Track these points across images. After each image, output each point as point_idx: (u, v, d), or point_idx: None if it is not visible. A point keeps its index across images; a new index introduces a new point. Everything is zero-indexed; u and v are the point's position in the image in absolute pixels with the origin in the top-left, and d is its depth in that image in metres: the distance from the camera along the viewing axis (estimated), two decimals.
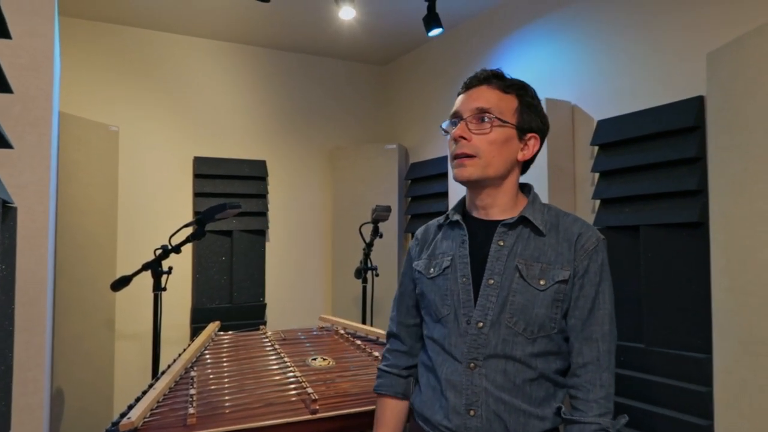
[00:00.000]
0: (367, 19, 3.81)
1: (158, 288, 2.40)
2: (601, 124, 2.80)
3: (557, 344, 1.24)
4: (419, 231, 1.54)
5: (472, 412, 1.22)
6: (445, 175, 3.77)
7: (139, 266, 2.42)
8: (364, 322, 3.08)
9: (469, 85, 1.33)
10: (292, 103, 4.51)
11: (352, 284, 4.04)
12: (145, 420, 1.64)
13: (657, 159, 2.48)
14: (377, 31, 4.10)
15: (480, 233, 1.33)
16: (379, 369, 1.55)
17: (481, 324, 1.24)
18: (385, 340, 1.61)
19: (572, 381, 1.24)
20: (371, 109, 4.91)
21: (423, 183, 4.23)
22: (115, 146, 3.64)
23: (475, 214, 1.37)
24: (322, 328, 2.70)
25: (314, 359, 2.21)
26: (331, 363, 2.19)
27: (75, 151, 3.23)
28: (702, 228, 2.30)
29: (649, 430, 2.44)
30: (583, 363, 1.22)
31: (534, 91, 1.35)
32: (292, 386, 1.91)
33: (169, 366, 2.07)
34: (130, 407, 1.69)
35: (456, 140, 1.28)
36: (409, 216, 4.41)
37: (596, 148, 2.85)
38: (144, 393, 1.81)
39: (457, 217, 1.38)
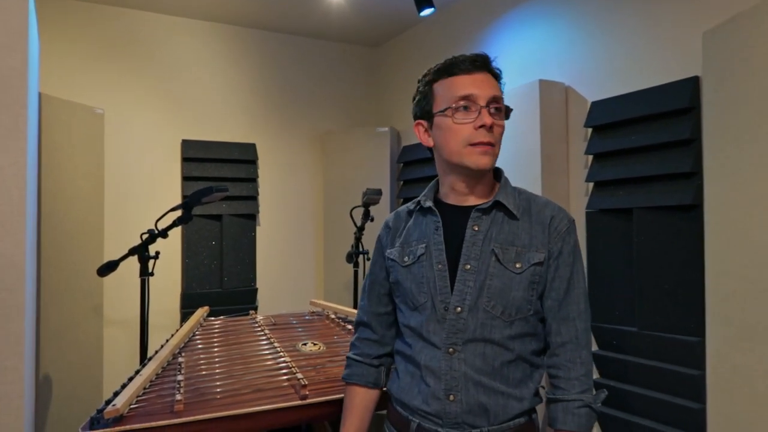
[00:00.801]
0: None
1: (145, 273, 2.36)
2: (595, 105, 2.77)
3: (533, 326, 1.27)
4: (389, 218, 1.52)
5: (451, 397, 1.24)
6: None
7: (126, 251, 2.37)
8: (355, 306, 3.05)
9: (470, 68, 1.29)
10: (282, 85, 4.44)
11: (344, 268, 4.01)
12: (131, 407, 1.61)
13: (651, 141, 2.45)
14: (368, 12, 4.03)
15: (453, 219, 1.33)
16: (348, 358, 1.55)
17: (459, 309, 1.24)
18: (354, 322, 1.60)
19: (552, 360, 1.27)
20: (363, 91, 4.85)
21: (415, 166, 4.19)
22: (100, 129, 3.56)
23: (449, 200, 1.37)
24: (313, 312, 2.68)
25: (305, 344, 2.19)
26: (321, 348, 2.17)
27: (59, 134, 3.16)
28: (696, 211, 2.27)
29: (642, 414, 2.44)
30: (562, 342, 1.25)
31: None
32: (282, 371, 1.89)
33: (156, 352, 2.04)
34: (116, 394, 1.66)
35: (484, 127, 1.25)
36: (401, 200, 4.37)
37: (590, 130, 2.81)
38: (130, 379, 1.78)
39: (429, 203, 1.37)
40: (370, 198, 2.86)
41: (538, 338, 1.29)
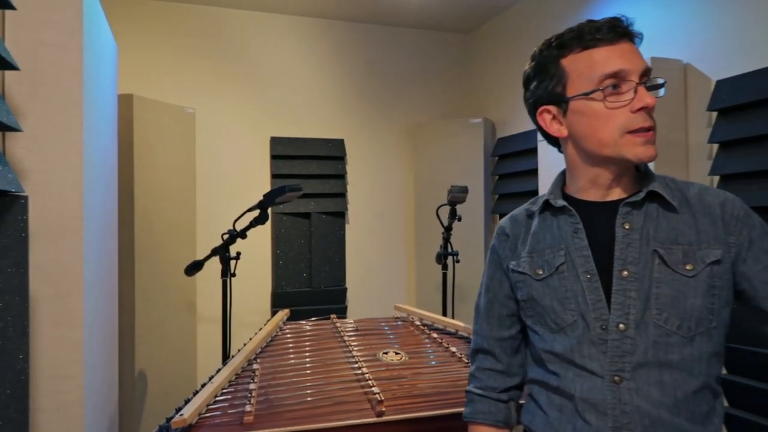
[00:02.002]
0: None
1: (226, 274, 2.31)
2: (721, 84, 2.38)
3: (717, 343, 1.02)
4: (504, 224, 1.28)
5: None
6: (534, 150, 3.44)
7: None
8: (444, 311, 2.86)
9: (612, 37, 1.05)
10: (370, 78, 4.32)
11: (436, 269, 3.82)
12: (200, 416, 1.55)
13: None
14: None
15: (594, 218, 1.10)
16: (468, 392, 1.31)
17: (623, 326, 1.01)
18: (471, 350, 1.35)
19: None
20: (454, 81, 4.62)
21: (511, 159, 3.91)
22: (191, 129, 3.62)
23: (585, 196, 1.14)
24: (398, 318, 2.52)
25: (386, 353, 2.03)
26: (404, 358, 2.00)
27: (151, 134, 3.23)
28: None
29: None
30: None
31: None
32: (359, 383, 1.75)
33: (231, 356, 1.97)
34: (187, 401, 1.60)
35: (645, 108, 1.02)
36: (497, 195, 4.11)
37: (714, 114, 2.43)
38: (203, 386, 1.71)
39: (561, 201, 1.14)
40: (455, 196, 2.64)
41: (722, 360, 1.04)
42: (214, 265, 2.40)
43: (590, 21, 1.07)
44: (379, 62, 4.35)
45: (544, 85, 1.12)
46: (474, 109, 4.57)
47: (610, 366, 1.01)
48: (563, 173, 1.22)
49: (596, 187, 1.12)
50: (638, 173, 1.13)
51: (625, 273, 1.03)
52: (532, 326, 1.18)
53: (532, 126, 3.55)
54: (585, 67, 1.05)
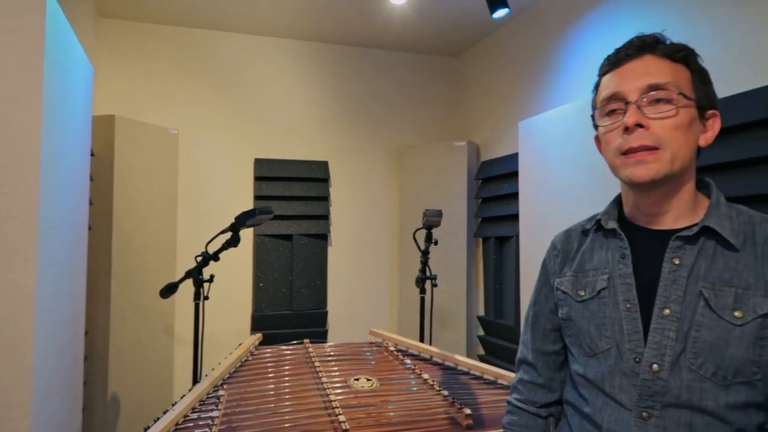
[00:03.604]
0: (433, 6, 3.56)
1: (198, 297, 2.27)
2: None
3: (763, 393, 0.93)
4: (558, 238, 1.25)
5: None
6: (516, 174, 3.43)
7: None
8: (421, 336, 2.82)
9: (624, 58, 1.04)
10: (355, 100, 4.33)
11: (418, 293, 3.80)
12: None
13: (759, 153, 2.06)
14: (443, 20, 3.83)
15: (646, 247, 1.05)
16: (509, 403, 1.30)
17: (656, 367, 0.96)
18: (516, 359, 1.34)
19: None
20: (440, 104, 4.63)
21: (495, 183, 3.91)
22: (174, 150, 3.60)
23: (638, 221, 1.09)
24: (372, 343, 2.48)
25: (357, 379, 2.00)
26: (375, 384, 1.97)
27: (132, 155, 3.21)
28: None
29: None
30: None
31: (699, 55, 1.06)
32: (326, 411, 1.71)
33: (196, 383, 1.93)
34: (146, 429, 1.56)
35: (630, 129, 0.99)
36: (480, 219, 4.10)
37: None
38: (165, 413, 1.67)
39: (612, 224, 1.10)
40: (430, 220, 2.62)
41: None
42: (193, 287, 2.36)
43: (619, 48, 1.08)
44: (364, 84, 4.36)
45: (592, 108, 1.13)
46: (459, 131, 4.58)
47: (639, 402, 0.98)
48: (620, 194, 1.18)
49: (640, 212, 1.08)
50: (700, 198, 1.06)
51: (667, 311, 0.98)
52: (569, 346, 1.16)
53: (515, 149, 3.56)
54: (596, 95, 1.10)
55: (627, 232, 1.08)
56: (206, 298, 2.37)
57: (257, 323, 3.84)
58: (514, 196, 3.51)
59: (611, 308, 1.05)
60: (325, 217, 4.09)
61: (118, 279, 3.08)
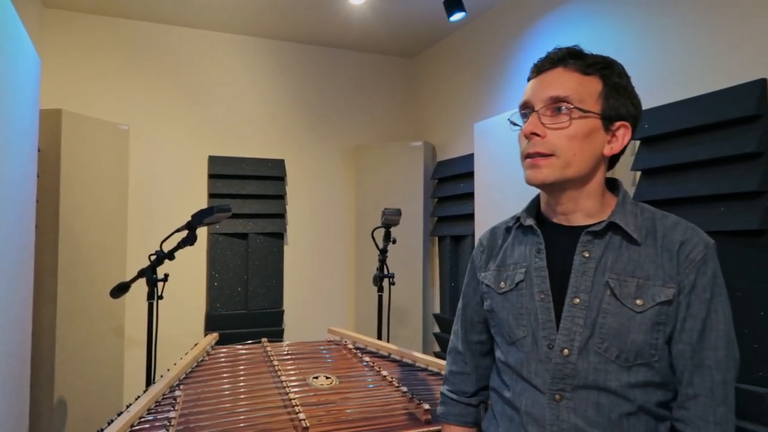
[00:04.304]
0: (391, 7, 3.58)
1: (153, 296, 2.22)
2: (644, 114, 2.49)
3: (660, 374, 1.04)
4: (484, 236, 1.34)
5: None
6: (472, 174, 3.49)
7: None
8: (379, 334, 2.84)
9: (540, 69, 1.12)
10: (312, 99, 4.31)
11: (375, 292, 3.81)
12: None
13: (710, 155, 2.16)
14: (401, 21, 3.86)
15: (560, 242, 1.14)
16: (442, 394, 1.42)
17: (566, 351, 1.06)
18: (448, 348, 1.44)
19: (679, 414, 1.03)
20: (397, 104, 4.66)
21: (450, 183, 3.97)
22: (125, 146, 3.50)
23: (553, 218, 1.17)
24: (331, 341, 2.48)
25: (316, 377, 2.00)
26: (334, 382, 1.97)
27: (80, 151, 3.11)
28: (765, 237, 1.97)
29: None
30: (694, 395, 1.02)
31: (622, 68, 1.13)
32: (285, 410, 1.70)
33: (152, 384, 1.89)
34: (100, 431, 1.51)
35: (528, 137, 1.09)
36: (436, 218, 4.15)
37: (637, 143, 2.54)
38: (119, 414, 1.63)
39: (530, 221, 1.19)
40: (389, 218, 2.64)
41: (668, 388, 1.05)
42: (145, 287, 2.30)
43: None
44: (322, 83, 4.34)
45: None
46: (416, 132, 4.62)
47: (552, 385, 1.06)
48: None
49: (553, 211, 1.16)
50: (609, 198, 1.14)
51: (577, 300, 1.06)
52: (495, 335, 1.25)
53: (470, 150, 3.62)
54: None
55: (544, 228, 1.17)
56: (161, 297, 2.31)
57: (211, 323, 3.77)
58: (470, 195, 3.57)
59: (528, 299, 1.13)
60: (281, 215, 4.05)
61: (64, 278, 2.97)
